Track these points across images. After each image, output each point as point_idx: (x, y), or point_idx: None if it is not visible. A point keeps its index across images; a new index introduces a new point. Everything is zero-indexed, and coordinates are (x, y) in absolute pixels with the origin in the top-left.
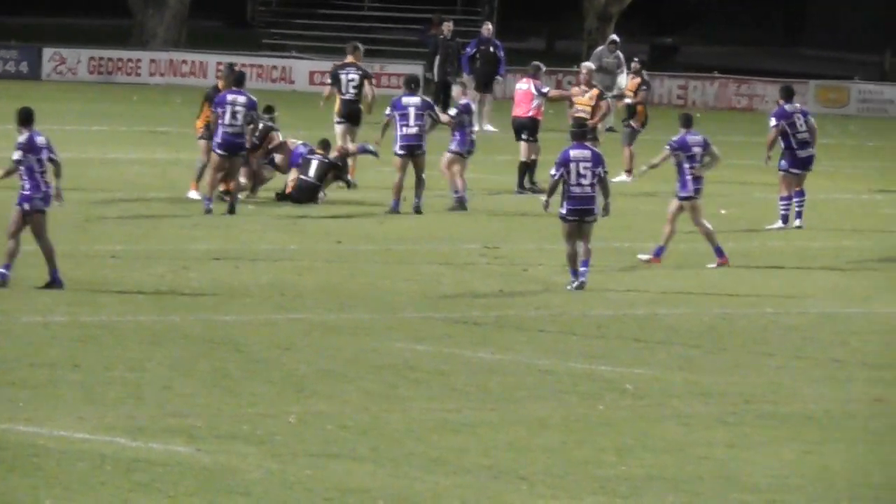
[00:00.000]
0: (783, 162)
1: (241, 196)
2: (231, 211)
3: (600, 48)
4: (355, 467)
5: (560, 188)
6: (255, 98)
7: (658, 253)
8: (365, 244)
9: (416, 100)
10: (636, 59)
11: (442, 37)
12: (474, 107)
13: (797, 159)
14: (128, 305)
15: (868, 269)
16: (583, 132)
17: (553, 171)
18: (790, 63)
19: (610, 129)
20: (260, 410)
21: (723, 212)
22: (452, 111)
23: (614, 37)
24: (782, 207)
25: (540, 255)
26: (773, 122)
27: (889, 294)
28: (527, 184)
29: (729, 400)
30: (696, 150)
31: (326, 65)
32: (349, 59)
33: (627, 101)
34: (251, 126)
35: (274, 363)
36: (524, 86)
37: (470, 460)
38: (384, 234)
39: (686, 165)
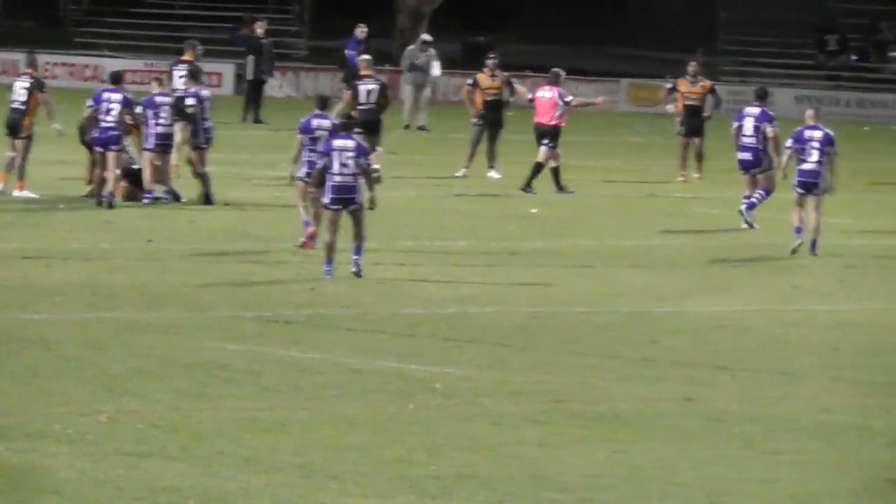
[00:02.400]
0: None
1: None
2: (109, 205)
3: (411, 47)
4: (166, 466)
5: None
6: (129, 95)
7: (312, 236)
8: (176, 243)
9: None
10: (492, 55)
11: (255, 36)
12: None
13: (737, 160)
14: None
15: (679, 268)
16: (348, 124)
17: (318, 161)
18: (605, 62)
19: (421, 128)
20: (71, 409)
21: (533, 210)
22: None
23: (426, 36)
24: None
25: (349, 254)
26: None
27: (700, 293)
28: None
29: (539, 399)
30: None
31: (138, 63)
32: (186, 56)
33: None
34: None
35: (85, 362)
36: (548, 94)
37: (281, 459)
38: (195, 233)
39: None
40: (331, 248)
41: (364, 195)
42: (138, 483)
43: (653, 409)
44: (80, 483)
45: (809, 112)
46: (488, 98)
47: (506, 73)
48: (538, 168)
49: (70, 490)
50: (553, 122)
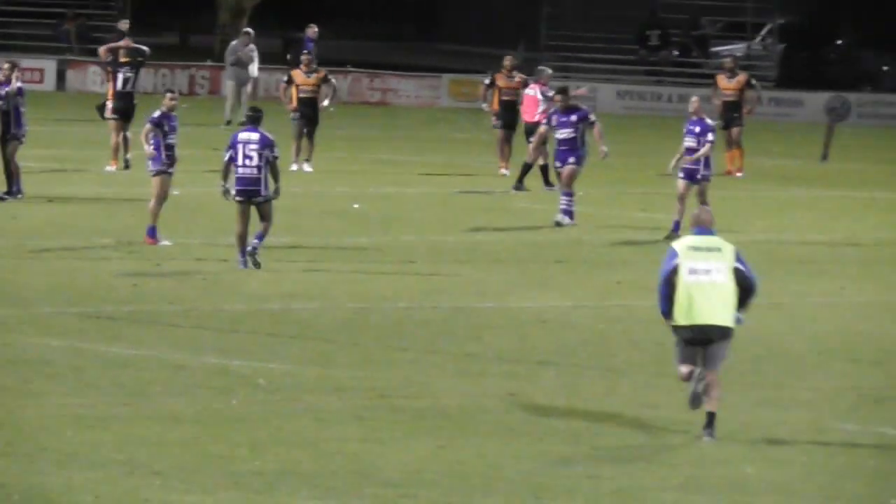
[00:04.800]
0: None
1: None
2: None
3: (234, 42)
4: None
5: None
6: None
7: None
8: None
9: None
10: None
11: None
12: None
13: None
14: None
15: (502, 263)
16: (255, 117)
17: (224, 155)
18: (424, 58)
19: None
20: None
21: (355, 206)
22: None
23: (248, 29)
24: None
25: (174, 250)
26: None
27: (523, 288)
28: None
29: (363, 395)
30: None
31: None
32: None
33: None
34: None
35: None
36: (531, 91)
37: (104, 455)
38: (17, 229)
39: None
40: (242, 239)
41: (271, 186)
42: None
43: (476, 404)
44: None
45: (697, 103)
46: (303, 95)
47: (323, 70)
48: (527, 168)
49: None
50: (535, 119)
